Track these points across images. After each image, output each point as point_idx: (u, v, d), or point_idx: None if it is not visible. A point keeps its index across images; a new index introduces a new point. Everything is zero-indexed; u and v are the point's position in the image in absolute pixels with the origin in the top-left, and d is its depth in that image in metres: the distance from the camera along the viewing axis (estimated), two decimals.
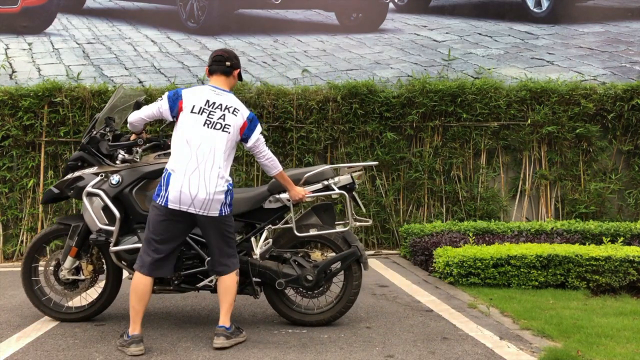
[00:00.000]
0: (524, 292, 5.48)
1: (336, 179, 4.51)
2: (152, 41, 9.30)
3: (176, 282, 4.36)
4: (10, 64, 8.85)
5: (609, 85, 8.10)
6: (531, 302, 5.12)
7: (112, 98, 4.82)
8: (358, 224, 4.67)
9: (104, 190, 4.36)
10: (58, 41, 9.23)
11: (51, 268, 4.63)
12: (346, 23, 9.61)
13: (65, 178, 4.58)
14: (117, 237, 4.33)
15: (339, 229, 4.52)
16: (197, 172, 3.89)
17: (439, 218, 7.85)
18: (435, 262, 6.04)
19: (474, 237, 6.53)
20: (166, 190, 3.91)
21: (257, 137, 4.11)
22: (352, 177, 4.54)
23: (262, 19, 9.63)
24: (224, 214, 3.99)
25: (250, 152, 4.22)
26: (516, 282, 5.64)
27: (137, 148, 4.53)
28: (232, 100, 4.09)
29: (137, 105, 4.38)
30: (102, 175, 4.41)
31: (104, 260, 4.63)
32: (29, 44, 9.15)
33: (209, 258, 4.23)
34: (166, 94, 4.10)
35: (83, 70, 8.56)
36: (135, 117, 4.20)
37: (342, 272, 4.54)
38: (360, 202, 4.66)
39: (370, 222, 4.94)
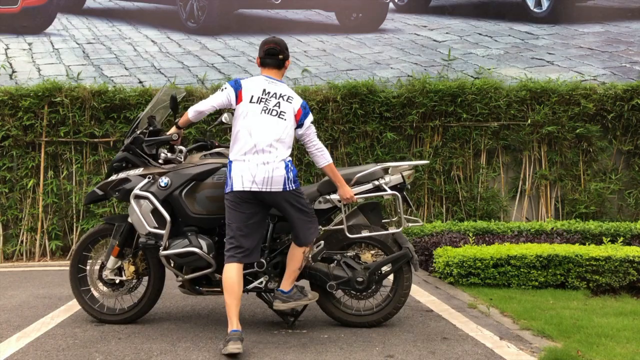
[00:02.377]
0: (524, 292, 5.47)
1: (387, 178, 4.41)
2: (152, 41, 9.30)
3: None
4: (10, 64, 8.85)
5: (609, 85, 8.10)
6: (531, 302, 5.12)
7: (155, 96, 4.78)
8: (410, 224, 4.59)
9: (152, 193, 4.28)
10: (58, 41, 9.23)
11: (96, 268, 4.59)
12: (346, 23, 9.61)
13: (110, 179, 4.49)
14: (167, 241, 4.26)
15: (392, 229, 4.44)
16: (257, 157, 3.97)
17: (439, 218, 7.85)
18: (435, 262, 6.04)
19: (474, 237, 6.53)
20: (230, 177, 3.99)
21: (309, 124, 4.19)
22: (402, 176, 4.45)
23: (262, 19, 9.63)
24: (288, 189, 4.01)
25: (300, 140, 4.24)
26: (516, 282, 5.64)
27: (183, 147, 4.46)
28: (286, 89, 4.16)
29: (173, 100, 4.34)
30: (149, 177, 4.34)
31: (146, 263, 4.56)
32: (29, 44, 9.15)
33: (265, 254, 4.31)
34: (227, 82, 4.16)
35: (83, 70, 8.56)
36: (206, 105, 4.14)
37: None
38: (411, 203, 4.57)
39: (422, 223, 4.88)
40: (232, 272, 3.98)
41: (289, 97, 4.10)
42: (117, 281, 4.53)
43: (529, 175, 8.04)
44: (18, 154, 7.62)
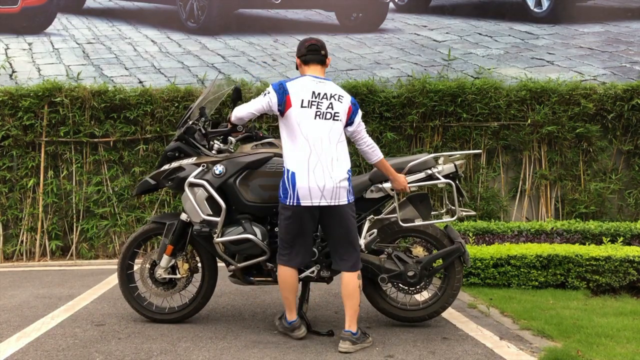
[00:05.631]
0: (524, 292, 5.48)
1: (439, 167, 4.37)
2: (152, 41, 9.30)
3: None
4: (10, 64, 8.85)
5: (609, 85, 8.09)
6: (531, 302, 5.12)
7: (207, 88, 4.78)
8: (464, 213, 4.52)
9: (207, 181, 4.30)
10: (58, 41, 9.23)
11: (147, 267, 4.58)
12: (346, 23, 9.61)
13: (163, 169, 4.50)
14: (221, 228, 4.28)
15: (446, 218, 4.43)
16: (320, 166, 3.88)
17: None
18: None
19: (474, 237, 6.53)
20: (294, 190, 3.88)
21: (359, 120, 4.08)
22: (455, 165, 4.40)
23: (262, 19, 9.63)
24: (350, 202, 3.98)
25: (351, 138, 4.11)
26: (516, 282, 5.64)
27: (232, 138, 4.48)
28: (335, 88, 4.04)
29: (237, 92, 4.32)
30: (203, 166, 4.36)
31: (198, 259, 4.59)
32: (29, 44, 9.15)
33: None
34: (271, 86, 4.01)
35: (83, 70, 8.56)
36: (245, 111, 4.12)
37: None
38: (463, 192, 4.50)
39: (474, 213, 4.82)
40: (287, 272, 4.07)
41: (339, 96, 3.99)
42: (171, 280, 4.54)
43: (529, 175, 8.03)
44: (18, 154, 7.61)
